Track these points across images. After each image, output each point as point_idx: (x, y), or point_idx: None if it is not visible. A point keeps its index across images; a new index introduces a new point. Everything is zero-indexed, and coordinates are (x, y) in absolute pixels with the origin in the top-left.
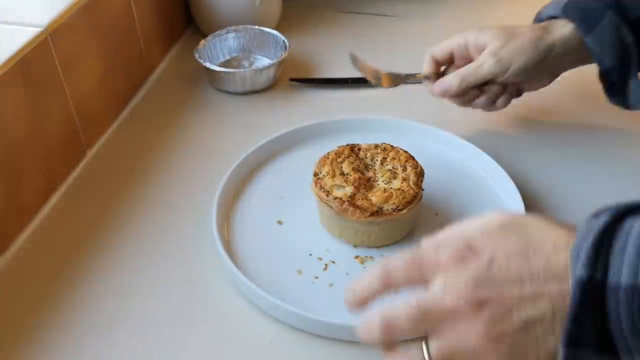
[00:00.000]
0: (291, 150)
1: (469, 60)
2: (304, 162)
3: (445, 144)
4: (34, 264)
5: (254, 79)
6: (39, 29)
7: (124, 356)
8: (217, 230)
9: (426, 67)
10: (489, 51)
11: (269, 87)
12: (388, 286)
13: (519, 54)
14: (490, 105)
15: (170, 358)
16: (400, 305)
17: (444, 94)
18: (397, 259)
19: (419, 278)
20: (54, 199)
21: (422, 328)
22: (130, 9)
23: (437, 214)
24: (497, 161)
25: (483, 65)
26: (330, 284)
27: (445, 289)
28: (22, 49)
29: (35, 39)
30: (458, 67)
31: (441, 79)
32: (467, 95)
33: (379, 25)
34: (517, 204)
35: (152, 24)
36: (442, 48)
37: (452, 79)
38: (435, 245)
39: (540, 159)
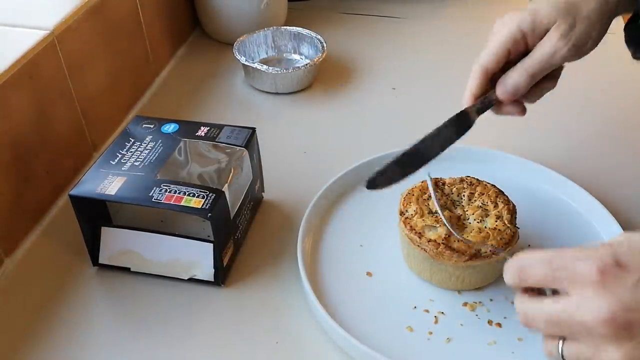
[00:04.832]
0: (355, 189)
1: (526, 52)
2: (375, 199)
3: (527, 173)
4: (42, 265)
5: (292, 78)
6: (46, 32)
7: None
8: (308, 282)
9: (475, 86)
10: (560, 35)
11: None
12: (522, 284)
13: (591, 30)
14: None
15: None
16: (540, 304)
17: (514, 95)
18: (536, 261)
19: (552, 282)
20: (61, 201)
21: (557, 332)
22: (137, 12)
23: (529, 245)
24: (584, 187)
25: (556, 54)
26: (448, 339)
27: (590, 306)
28: (28, 52)
29: (42, 41)
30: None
31: (503, 80)
32: (531, 93)
33: (384, 27)
34: (616, 233)
35: (159, 27)
36: (496, 53)
37: (519, 77)
38: (579, 253)
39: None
